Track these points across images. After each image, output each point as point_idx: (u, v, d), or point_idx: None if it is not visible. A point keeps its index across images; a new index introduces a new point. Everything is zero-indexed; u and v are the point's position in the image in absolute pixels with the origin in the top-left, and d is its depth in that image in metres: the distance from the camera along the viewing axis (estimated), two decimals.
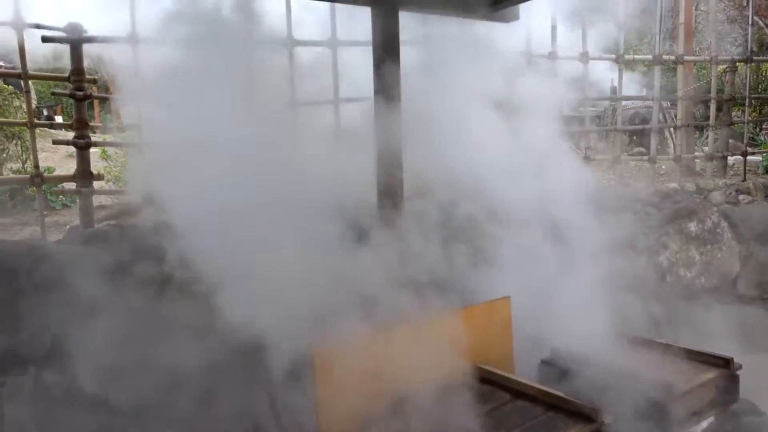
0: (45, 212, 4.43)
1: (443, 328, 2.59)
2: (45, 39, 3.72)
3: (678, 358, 3.01)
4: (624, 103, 6.63)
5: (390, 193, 3.61)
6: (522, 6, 3.49)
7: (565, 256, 3.32)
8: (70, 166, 5.29)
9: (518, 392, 2.58)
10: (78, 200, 3.93)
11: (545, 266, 3.17)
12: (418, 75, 3.67)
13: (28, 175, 3.96)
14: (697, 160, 6.71)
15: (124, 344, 3.49)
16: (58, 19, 3.91)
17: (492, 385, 2.65)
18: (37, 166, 3.82)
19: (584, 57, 5.48)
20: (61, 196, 5.29)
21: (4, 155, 5.19)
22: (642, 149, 8.21)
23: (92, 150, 4.11)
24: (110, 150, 5.49)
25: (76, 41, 3.79)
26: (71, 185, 4.01)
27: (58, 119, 8.26)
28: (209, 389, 3.51)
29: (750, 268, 5.07)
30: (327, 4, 4.11)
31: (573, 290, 3.27)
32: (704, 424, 2.81)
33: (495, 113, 3.79)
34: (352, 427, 2.32)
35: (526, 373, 2.97)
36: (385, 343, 2.45)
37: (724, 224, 4.97)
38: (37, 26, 3.71)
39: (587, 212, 3.69)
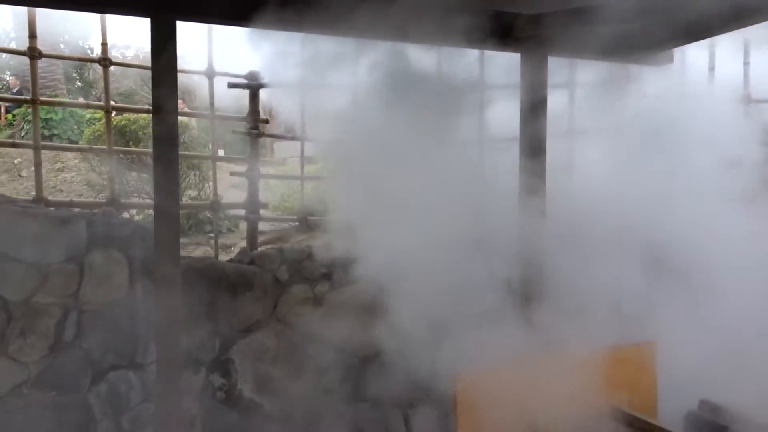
0: (213, 234, 5.04)
1: (586, 365, 2.61)
2: (230, 85, 4.30)
3: None
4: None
5: (530, 231, 3.68)
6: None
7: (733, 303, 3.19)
8: (232, 195, 5.96)
9: None
10: (246, 225, 4.44)
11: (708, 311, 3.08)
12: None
13: (207, 202, 4.55)
14: None
15: (278, 358, 3.86)
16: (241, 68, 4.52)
17: (634, 429, 2.60)
18: (215, 194, 4.39)
19: (746, 98, 5.21)
20: (226, 221, 5.94)
21: (185, 184, 5.97)
22: None
23: None
24: (271, 181, 6.09)
25: (254, 87, 4.34)
26: (240, 212, 4.53)
27: (220, 152, 9.29)
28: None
29: None
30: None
31: (733, 338, 3.13)
32: None
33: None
34: None
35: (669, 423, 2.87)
36: (527, 375, 2.53)
37: None
38: (225, 74, 4.31)
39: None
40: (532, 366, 2.56)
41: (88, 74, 13.56)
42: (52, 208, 3.44)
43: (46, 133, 7.50)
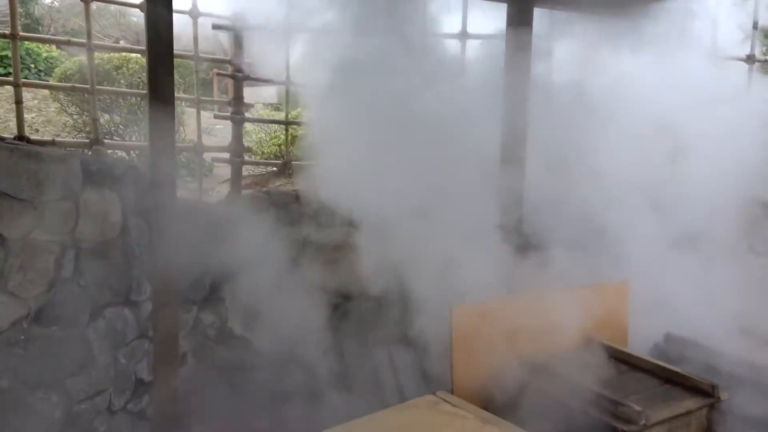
0: (190, 178, 5.04)
1: (568, 301, 2.84)
2: (215, 26, 4.25)
3: None
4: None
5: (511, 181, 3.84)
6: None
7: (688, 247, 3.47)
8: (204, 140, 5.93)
9: (635, 365, 2.79)
10: (231, 168, 4.47)
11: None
12: None
13: (191, 144, 4.54)
14: None
15: (267, 297, 3.98)
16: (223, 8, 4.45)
17: (610, 357, 2.87)
18: (200, 137, 4.38)
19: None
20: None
21: None
22: None
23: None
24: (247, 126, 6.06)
25: (239, 29, 4.29)
26: (224, 155, 4.54)
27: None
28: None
29: None
30: None
31: (696, 282, 3.41)
32: None
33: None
34: (483, 378, 2.64)
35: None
36: (515, 309, 2.74)
37: None
38: (209, 15, 4.25)
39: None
40: (521, 300, 2.78)
41: (34, 10, 12.91)
42: (42, 147, 3.40)
43: (1, 71, 7.18)
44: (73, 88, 4.33)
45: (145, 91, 4.21)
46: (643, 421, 2.23)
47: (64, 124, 5.46)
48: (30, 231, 2.96)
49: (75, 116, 5.86)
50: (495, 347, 2.65)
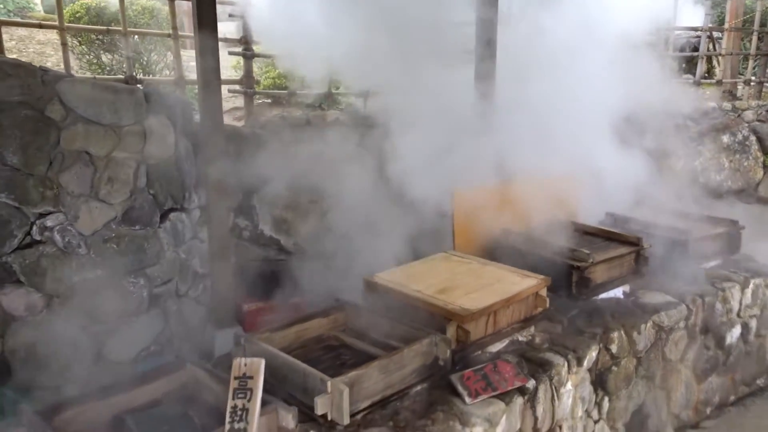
0: None
1: (539, 187, 3.79)
2: None
3: (697, 220, 4.18)
4: (678, 32, 7.45)
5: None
6: None
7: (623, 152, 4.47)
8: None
9: (584, 231, 3.80)
10: (244, 99, 5.17)
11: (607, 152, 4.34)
12: None
13: None
14: (739, 86, 7.56)
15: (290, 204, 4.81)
16: None
17: (568, 227, 3.86)
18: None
19: None
20: None
21: (163, 64, 6.50)
22: (690, 75, 9.01)
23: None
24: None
25: None
26: (236, 87, 5.23)
27: None
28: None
29: None
30: None
31: (629, 177, 4.43)
32: (712, 263, 3.99)
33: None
34: (478, 242, 3.59)
35: None
36: (499, 192, 3.67)
37: (753, 138, 5.97)
38: None
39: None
40: (503, 187, 3.71)
41: None
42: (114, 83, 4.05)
43: None
44: (107, 31, 4.88)
45: (168, 32, 4.85)
46: (591, 260, 3.24)
47: (96, 64, 5.97)
48: (112, 150, 3.68)
49: (80, 56, 6.37)
50: (485, 220, 3.60)
